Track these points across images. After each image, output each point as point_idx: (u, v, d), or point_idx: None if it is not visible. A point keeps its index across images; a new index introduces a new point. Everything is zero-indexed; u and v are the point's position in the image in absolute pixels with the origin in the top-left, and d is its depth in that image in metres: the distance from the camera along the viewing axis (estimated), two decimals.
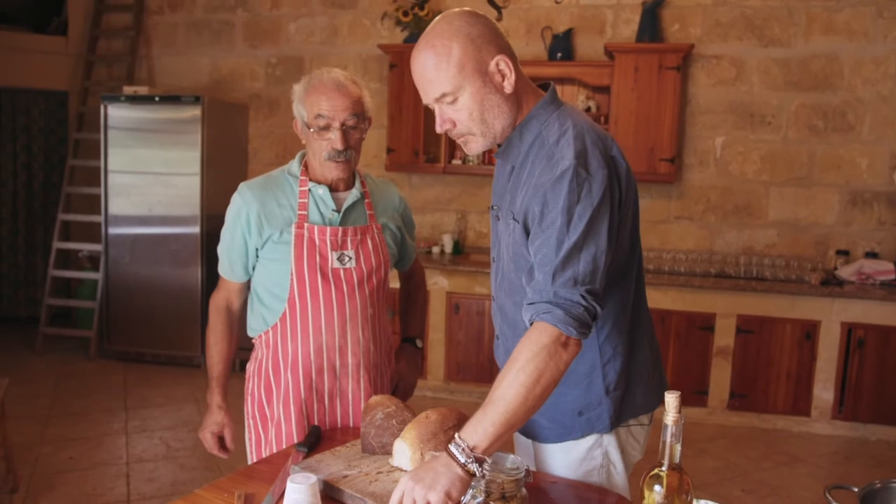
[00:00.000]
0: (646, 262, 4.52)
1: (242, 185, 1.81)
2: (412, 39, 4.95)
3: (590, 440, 1.52)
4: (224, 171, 5.29)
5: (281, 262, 1.74)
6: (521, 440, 1.68)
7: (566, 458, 1.54)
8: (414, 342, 2.09)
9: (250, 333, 1.87)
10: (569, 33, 4.78)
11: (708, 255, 4.65)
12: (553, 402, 1.39)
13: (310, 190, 1.79)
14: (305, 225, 1.75)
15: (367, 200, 1.87)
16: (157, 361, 5.15)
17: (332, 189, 1.80)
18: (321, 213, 1.78)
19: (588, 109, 4.76)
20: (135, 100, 5.09)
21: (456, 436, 1.25)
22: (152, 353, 5.18)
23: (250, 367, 1.87)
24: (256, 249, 1.78)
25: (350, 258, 1.78)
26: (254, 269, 1.82)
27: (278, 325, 1.77)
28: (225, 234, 1.82)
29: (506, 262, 1.51)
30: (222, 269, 1.86)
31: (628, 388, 1.53)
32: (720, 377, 4.31)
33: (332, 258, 1.76)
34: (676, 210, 4.82)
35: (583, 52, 4.87)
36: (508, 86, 1.38)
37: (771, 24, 4.60)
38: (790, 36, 4.58)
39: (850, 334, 4.12)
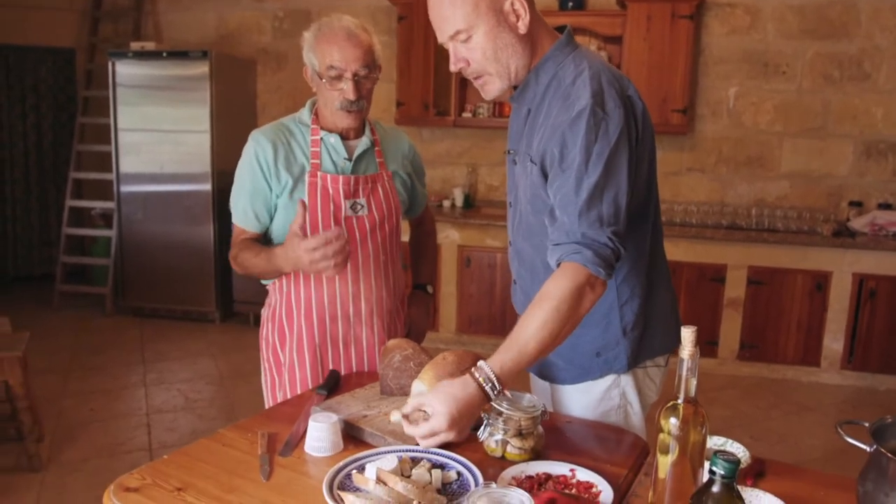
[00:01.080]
0: None
1: (255, 132, 1.81)
2: None
3: (607, 381, 1.54)
4: (233, 128, 5.26)
5: (295, 210, 1.75)
6: (538, 383, 1.71)
7: (584, 399, 1.57)
8: (425, 288, 2.11)
9: (264, 281, 1.89)
10: None
11: (720, 207, 4.63)
12: (571, 343, 1.41)
13: (322, 139, 1.79)
14: (319, 173, 1.76)
15: (377, 148, 1.87)
16: (173, 317, 5.22)
17: (343, 137, 1.80)
18: (333, 162, 1.79)
19: None
20: (142, 56, 5.06)
21: (480, 361, 1.28)
22: (167, 309, 5.24)
23: (265, 312, 1.89)
24: (276, 196, 1.77)
25: (362, 206, 1.79)
26: (272, 218, 1.81)
27: (291, 272, 1.79)
28: (242, 181, 1.80)
29: (523, 206, 1.51)
30: (238, 218, 1.83)
31: (646, 329, 1.55)
32: (731, 328, 4.33)
33: (346, 206, 1.77)
34: (688, 161, 4.79)
35: (594, 2, 4.78)
36: (523, 26, 1.38)
37: None
38: None
39: (861, 285, 4.12)
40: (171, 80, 5.04)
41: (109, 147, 5.20)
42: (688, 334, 1.03)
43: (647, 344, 1.56)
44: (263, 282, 1.89)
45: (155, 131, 5.10)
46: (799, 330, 4.24)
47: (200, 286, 5.17)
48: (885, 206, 4.47)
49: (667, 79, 4.44)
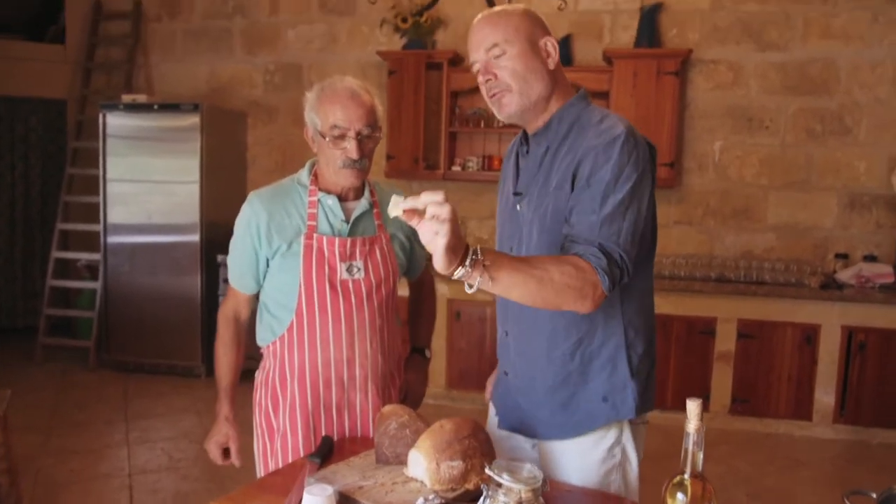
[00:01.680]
0: None
1: (252, 195, 1.81)
2: (411, 46, 4.96)
3: (610, 438, 1.55)
4: (223, 179, 5.28)
5: (290, 273, 1.74)
6: (520, 442, 1.68)
7: (583, 458, 1.55)
8: (423, 352, 2.09)
9: (259, 343, 1.86)
10: (567, 39, 4.80)
11: (708, 260, 4.66)
12: (574, 391, 1.51)
13: (319, 200, 1.79)
14: (315, 235, 1.75)
15: (375, 210, 1.87)
16: (157, 371, 5.13)
17: (342, 199, 1.80)
18: (330, 224, 1.78)
19: None
20: (133, 108, 5.08)
21: (476, 248, 1.27)
22: (152, 363, 5.15)
23: (258, 376, 1.86)
24: (267, 259, 1.77)
25: (359, 269, 1.78)
26: (264, 278, 1.81)
27: (286, 335, 1.77)
28: (235, 243, 1.82)
29: (534, 247, 1.53)
30: (232, 278, 1.86)
31: (649, 374, 1.58)
32: (722, 382, 4.31)
33: (341, 269, 1.75)
34: (676, 215, 4.84)
35: (581, 58, 4.88)
36: (552, 63, 1.54)
37: (768, 29, 4.62)
38: (787, 40, 4.61)
39: (850, 338, 4.14)
40: (162, 132, 5.07)
41: (97, 198, 5.18)
42: (693, 407, 1.01)
43: (650, 389, 1.58)
44: (259, 343, 1.86)
45: (144, 182, 5.10)
46: (790, 383, 4.23)
47: (186, 340, 5.10)
48: (871, 258, 4.52)
49: (654, 133, 4.51)
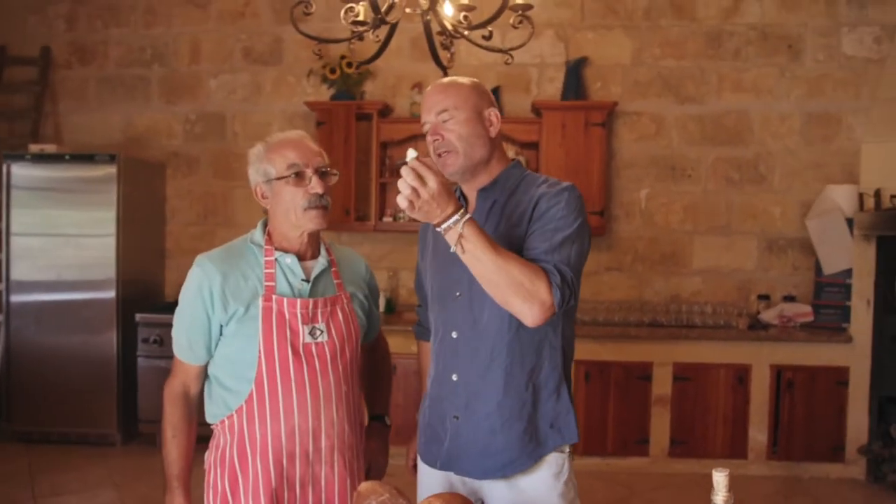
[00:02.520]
0: (581, 314, 4.57)
1: (201, 258, 1.68)
2: (340, 97, 4.91)
3: (561, 465, 1.67)
4: (141, 233, 5.01)
5: (247, 339, 1.61)
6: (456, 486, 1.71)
7: (545, 490, 1.64)
8: (382, 419, 1.98)
9: (210, 420, 1.70)
10: (496, 91, 4.87)
11: (639, 305, 4.75)
12: (528, 420, 1.64)
13: (276, 259, 1.68)
14: (273, 297, 1.63)
15: (334, 269, 1.77)
16: (67, 441, 4.71)
17: (299, 258, 1.70)
18: (290, 284, 1.67)
19: None
20: (42, 158, 4.77)
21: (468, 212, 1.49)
22: (61, 433, 4.74)
23: (210, 456, 1.70)
24: (220, 326, 1.63)
25: (321, 332, 1.67)
26: (216, 348, 1.66)
27: (244, 407, 1.62)
28: (183, 311, 1.67)
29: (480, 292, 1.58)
30: (180, 351, 1.70)
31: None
32: (660, 425, 4.35)
33: (304, 332, 1.64)
34: (606, 261, 4.93)
35: (510, 110, 4.96)
36: (493, 131, 1.72)
37: (685, 83, 4.85)
38: (703, 94, 4.85)
39: (779, 376, 4.28)
40: (74, 183, 4.77)
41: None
42: (721, 479, 0.97)
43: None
44: (209, 420, 1.70)
45: (54, 236, 4.77)
46: (725, 423, 4.31)
47: (100, 405, 4.73)
48: (790, 298, 4.72)
49: (583, 182, 4.59)
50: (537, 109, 4.74)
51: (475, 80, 1.76)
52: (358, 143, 4.88)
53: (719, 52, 4.83)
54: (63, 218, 4.76)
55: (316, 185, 1.65)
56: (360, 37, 2.60)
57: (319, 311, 1.67)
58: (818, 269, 4.58)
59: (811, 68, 4.78)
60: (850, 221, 4.37)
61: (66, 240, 4.77)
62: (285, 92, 5.21)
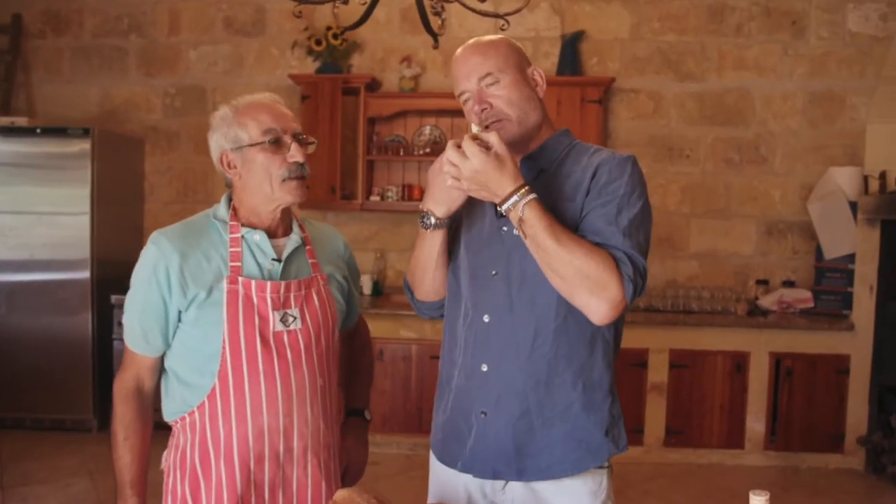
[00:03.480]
0: None
1: (157, 234, 1.49)
2: (326, 69, 4.70)
3: (603, 476, 1.49)
4: (117, 211, 4.80)
5: (210, 327, 1.43)
6: (493, 495, 1.52)
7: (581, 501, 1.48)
8: (362, 414, 1.81)
9: (167, 418, 1.53)
10: None
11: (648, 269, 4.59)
12: (575, 424, 1.44)
13: (243, 237, 1.50)
14: (240, 279, 1.46)
15: (308, 247, 1.60)
16: (40, 427, 4.53)
17: (269, 235, 1.52)
18: (258, 264, 1.49)
19: None
20: (11, 132, 4.54)
21: (532, 190, 1.34)
22: (34, 419, 4.55)
23: (169, 457, 1.52)
24: (179, 312, 1.45)
25: (294, 318, 1.49)
26: (173, 337, 1.49)
27: (206, 404, 1.45)
28: (135, 296, 1.49)
29: (529, 263, 1.42)
30: (132, 341, 1.51)
31: None
32: (655, 414, 4.22)
33: (274, 319, 1.47)
34: None
35: None
36: (541, 91, 1.55)
37: (686, 59, 4.67)
38: (704, 71, 4.67)
39: (778, 364, 4.15)
40: (47, 158, 4.54)
41: None
42: (761, 502, 0.81)
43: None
44: (167, 418, 1.53)
45: (25, 213, 4.55)
46: (722, 412, 4.19)
47: (75, 389, 4.55)
48: (789, 284, 4.58)
49: None
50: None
51: (502, 35, 1.57)
52: (344, 119, 4.68)
53: (721, 27, 4.64)
54: (35, 195, 4.54)
55: (296, 153, 1.48)
56: None
57: (292, 294, 1.50)
58: (819, 253, 4.44)
59: (815, 46, 4.60)
60: (853, 205, 4.22)
61: (38, 217, 4.55)
62: (268, 64, 4.99)
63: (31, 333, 4.56)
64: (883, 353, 4.13)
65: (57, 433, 4.48)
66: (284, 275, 1.51)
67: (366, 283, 4.77)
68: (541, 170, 1.52)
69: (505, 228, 1.48)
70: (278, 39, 4.96)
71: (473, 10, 2.49)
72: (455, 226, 1.60)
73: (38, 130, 4.55)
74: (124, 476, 1.49)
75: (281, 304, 1.47)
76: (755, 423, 4.18)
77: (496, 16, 2.49)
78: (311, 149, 1.53)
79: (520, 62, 1.51)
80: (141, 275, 1.47)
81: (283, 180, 1.48)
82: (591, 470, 1.47)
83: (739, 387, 4.17)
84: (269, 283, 1.46)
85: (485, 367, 1.48)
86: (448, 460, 1.56)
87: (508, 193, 1.32)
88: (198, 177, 5.06)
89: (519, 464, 1.46)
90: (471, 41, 1.55)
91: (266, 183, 1.48)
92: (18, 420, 4.56)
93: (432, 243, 1.55)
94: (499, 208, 1.35)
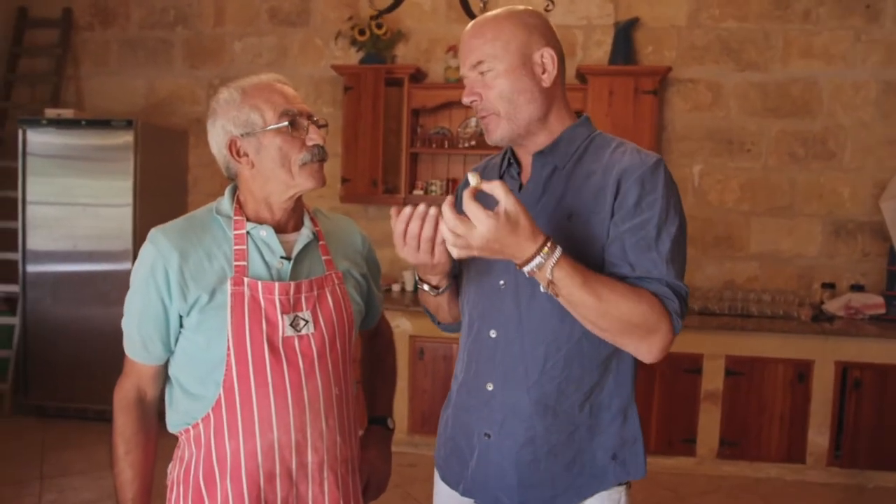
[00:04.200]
0: None
1: (155, 232, 1.37)
2: (369, 60, 4.58)
3: (612, 498, 1.35)
4: (160, 203, 4.79)
5: (214, 333, 1.31)
6: None
7: None
8: (384, 423, 1.67)
9: (171, 429, 1.42)
10: None
11: (690, 290, 4.35)
12: (580, 448, 1.32)
13: (248, 233, 1.38)
14: (245, 280, 1.33)
15: (321, 242, 1.46)
16: (83, 417, 4.55)
17: (277, 230, 1.39)
18: (266, 263, 1.37)
19: None
20: (58, 124, 4.57)
21: (557, 247, 1.16)
22: (77, 408, 4.58)
23: (173, 471, 1.41)
24: (180, 317, 1.34)
25: (306, 322, 1.36)
26: (175, 343, 1.37)
27: (211, 417, 1.33)
28: (133, 300, 1.38)
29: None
30: (131, 348, 1.40)
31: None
32: (709, 424, 3.97)
33: (284, 323, 1.33)
34: None
35: None
36: (547, 79, 1.33)
37: (747, 48, 4.39)
38: (767, 60, 4.38)
39: (845, 374, 3.85)
40: (91, 151, 4.56)
41: (15, 223, 4.62)
42: None
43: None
44: (171, 429, 1.41)
45: (70, 205, 4.57)
46: (782, 424, 3.92)
47: (117, 381, 4.54)
48: (858, 288, 4.27)
49: None
50: (582, 75, 4.34)
51: (521, 8, 1.36)
52: (387, 110, 4.55)
53: (787, 13, 4.34)
54: (79, 186, 4.56)
55: (314, 135, 1.36)
56: None
57: (303, 295, 1.36)
58: (892, 256, 4.12)
59: (891, 31, 4.26)
60: None
61: (82, 209, 4.57)
62: (312, 55, 4.90)
63: (75, 323, 4.58)
64: None
65: (97, 424, 4.49)
66: (295, 274, 1.38)
67: (408, 279, 4.65)
68: (555, 167, 1.35)
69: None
70: (322, 30, 4.86)
71: None
72: None
73: (83, 123, 4.56)
74: (126, 493, 1.39)
75: (291, 307, 1.34)
76: (818, 437, 3.90)
77: None
78: (324, 132, 1.40)
79: (523, 45, 1.31)
80: (138, 276, 1.36)
81: (304, 164, 1.36)
82: (606, 492, 1.35)
83: (801, 397, 3.89)
84: (277, 284, 1.34)
85: (490, 387, 1.37)
86: (450, 481, 1.46)
87: (530, 256, 1.14)
88: None
89: (521, 496, 1.34)
90: (479, 17, 1.38)
91: (283, 169, 1.36)
92: (62, 409, 4.60)
93: (438, 301, 1.45)
94: (522, 269, 1.17)
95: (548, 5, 2.31)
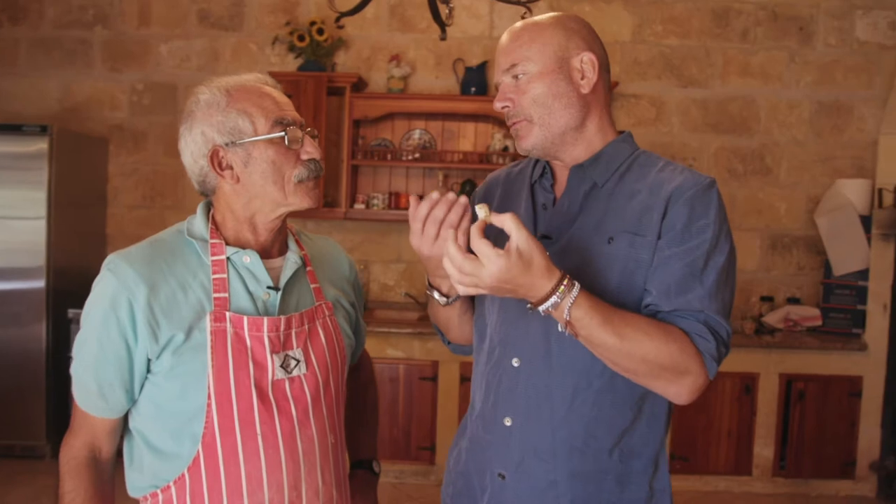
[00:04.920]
0: None
1: (116, 259, 1.15)
2: (309, 67, 4.38)
3: None
4: (77, 215, 4.42)
5: (189, 379, 1.11)
6: None
7: None
8: (370, 466, 1.50)
9: (134, 493, 1.20)
10: (483, 66, 4.40)
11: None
12: (610, 500, 1.19)
13: (229, 259, 1.19)
14: (228, 315, 1.14)
15: (309, 268, 1.29)
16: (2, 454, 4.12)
17: (262, 255, 1.21)
18: (250, 294, 1.18)
19: (505, 149, 4.37)
20: None
21: (575, 284, 1.06)
22: None
23: None
24: (149, 361, 1.13)
25: (298, 362, 1.18)
26: (140, 391, 1.16)
27: (186, 478, 1.12)
28: (88, 341, 1.15)
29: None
30: (84, 399, 1.17)
31: None
32: None
33: (274, 365, 1.15)
34: None
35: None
36: (586, 85, 1.24)
37: (689, 65, 4.45)
38: (708, 77, 4.45)
39: (789, 387, 3.92)
40: (1, 158, 4.15)
41: None
42: None
43: None
44: (133, 494, 1.20)
45: None
46: (730, 437, 3.95)
47: (27, 412, 4.14)
48: (794, 301, 4.38)
49: None
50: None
51: (566, 14, 1.28)
52: (328, 121, 4.36)
53: (726, 31, 4.43)
54: None
55: (311, 149, 1.20)
56: None
57: (294, 331, 1.19)
58: (827, 269, 4.24)
59: (822, 53, 4.42)
60: (863, 219, 4.03)
61: None
62: (246, 61, 4.65)
63: None
64: None
65: (5, 461, 4.07)
66: (283, 307, 1.20)
67: None
68: (594, 183, 1.25)
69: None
70: (257, 34, 4.62)
71: None
72: None
73: None
74: None
75: (281, 346, 1.16)
76: (764, 449, 3.95)
77: (518, 3, 2.20)
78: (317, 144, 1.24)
79: (561, 49, 1.22)
80: (95, 313, 1.13)
81: (300, 181, 1.19)
82: None
83: (748, 410, 3.93)
84: (265, 319, 1.15)
85: (508, 422, 1.23)
86: None
87: (545, 295, 1.04)
88: (167, 180, 4.69)
89: None
90: (518, 22, 1.29)
91: (275, 186, 1.19)
92: None
93: (448, 313, 1.32)
94: (537, 310, 1.07)
95: (525, 13, 2.20)
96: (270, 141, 1.16)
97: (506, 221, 1.02)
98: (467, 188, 4.39)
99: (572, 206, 1.25)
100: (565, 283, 1.04)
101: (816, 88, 4.42)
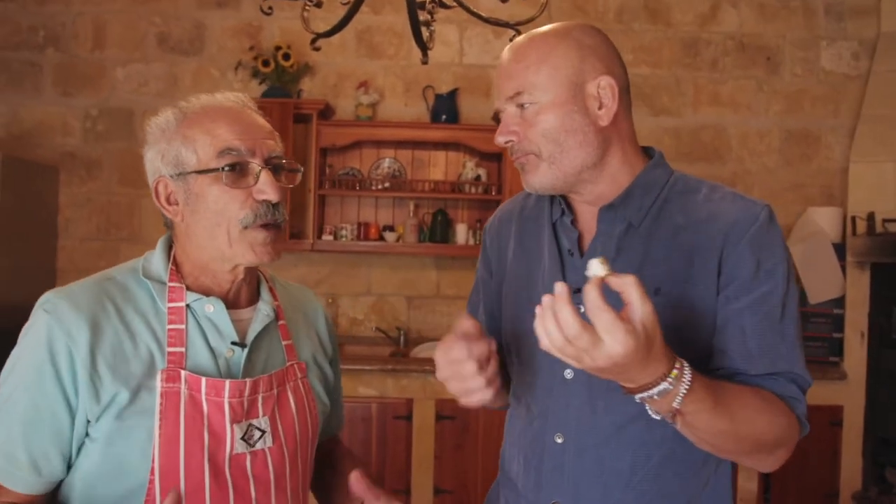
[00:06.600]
0: None
1: (54, 297, 0.99)
2: (274, 93, 4.23)
3: None
4: (25, 248, 4.16)
5: (132, 448, 0.94)
6: None
7: None
8: None
9: None
10: (453, 94, 4.31)
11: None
12: None
13: (189, 307, 1.02)
14: (183, 374, 0.97)
15: (281, 321, 1.12)
16: None
17: (228, 304, 1.05)
18: (212, 350, 1.01)
19: (477, 178, 4.26)
20: None
21: (685, 365, 0.88)
22: None
23: None
24: (87, 423, 0.95)
25: (263, 433, 1.01)
26: (76, 458, 0.97)
27: None
28: (15, 398, 0.96)
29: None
30: (9, 472, 0.96)
31: None
32: None
33: (234, 436, 0.98)
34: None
35: (468, 115, 4.41)
36: (605, 117, 1.08)
37: (660, 94, 4.43)
38: (679, 105, 4.43)
39: None
40: None
41: None
42: None
43: None
44: None
45: None
46: None
47: None
48: None
49: None
50: (498, 116, 4.19)
51: (579, 26, 1.09)
52: (294, 149, 4.20)
53: (696, 61, 4.43)
54: None
55: (266, 187, 1.01)
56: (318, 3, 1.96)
57: (260, 396, 1.02)
58: (802, 297, 4.20)
59: (790, 82, 4.44)
60: (836, 246, 4.01)
61: None
62: (208, 87, 4.47)
63: None
64: (876, 402, 3.89)
65: None
66: (249, 367, 1.03)
67: None
68: (629, 224, 1.08)
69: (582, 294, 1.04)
70: (219, 59, 4.47)
71: (479, 18, 2.09)
72: (499, 288, 1.17)
73: None
74: None
75: (245, 414, 0.99)
76: (748, 483, 3.85)
77: (507, 26, 2.09)
78: (296, 179, 1.08)
79: (576, 73, 1.05)
80: (26, 366, 0.95)
81: (245, 228, 1.01)
82: None
83: None
84: (227, 382, 0.98)
85: (563, 442, 1.06)
86: None
87: (653, 381, 0.85)
88: (122, 210, 4.46)
89: None
90: (520, 37, 1.11)
91: (220, 231, 1.01)
92: None
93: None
94: (632, 396, 0.88)
95: (514, 35, 2.09)
96: (215, 175, 0.99)
97: (628, 287, 0.81)
98: (439, 218, 4.27)
99: (606, 252, 1.07)
100: (677, 366, 0.86)
101: (785, 117, 4.43)
